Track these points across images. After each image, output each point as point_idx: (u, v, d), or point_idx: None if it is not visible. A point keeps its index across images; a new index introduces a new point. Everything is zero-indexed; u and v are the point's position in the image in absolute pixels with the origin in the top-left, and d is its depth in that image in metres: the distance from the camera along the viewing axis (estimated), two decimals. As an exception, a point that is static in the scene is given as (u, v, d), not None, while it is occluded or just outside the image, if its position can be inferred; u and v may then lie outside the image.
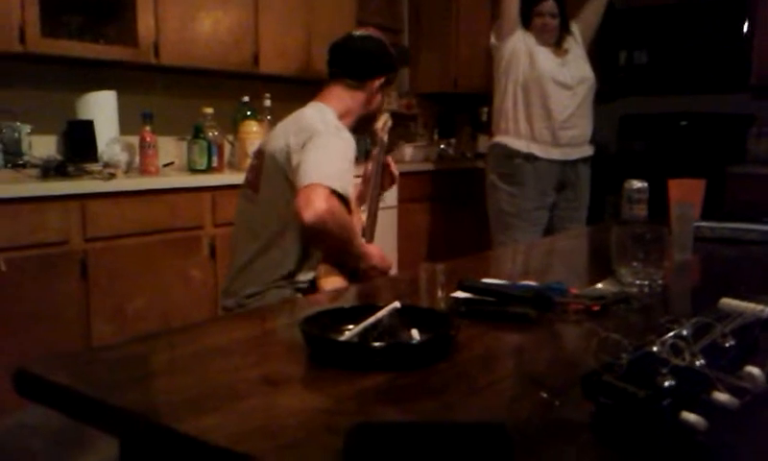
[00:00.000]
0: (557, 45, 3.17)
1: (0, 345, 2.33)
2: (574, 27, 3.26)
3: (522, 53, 3.12)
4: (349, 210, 1.75)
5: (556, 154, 3.16)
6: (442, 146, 4.84)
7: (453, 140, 5.01)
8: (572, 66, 3.16)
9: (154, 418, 0.71)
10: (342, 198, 1.68)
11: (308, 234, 1.67)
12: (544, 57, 3.12)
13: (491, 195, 3.30)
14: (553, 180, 3.19)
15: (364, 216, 2.02)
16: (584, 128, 3.21)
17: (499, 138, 3.24)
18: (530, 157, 3.14)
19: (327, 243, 1.71)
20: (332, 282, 1.75)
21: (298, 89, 3.88)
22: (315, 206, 1.60)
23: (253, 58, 3.51)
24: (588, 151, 3.27)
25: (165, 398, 0.79)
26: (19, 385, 0.84)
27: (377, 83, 1.93)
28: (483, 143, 4.86)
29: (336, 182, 1.66)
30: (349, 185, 1.74)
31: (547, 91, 3.10)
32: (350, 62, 1.92)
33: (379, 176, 2.08)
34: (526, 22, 3.14)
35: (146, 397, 0.79)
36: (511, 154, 3.17)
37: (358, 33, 2.00)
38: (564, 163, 3.19)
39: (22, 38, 2.63)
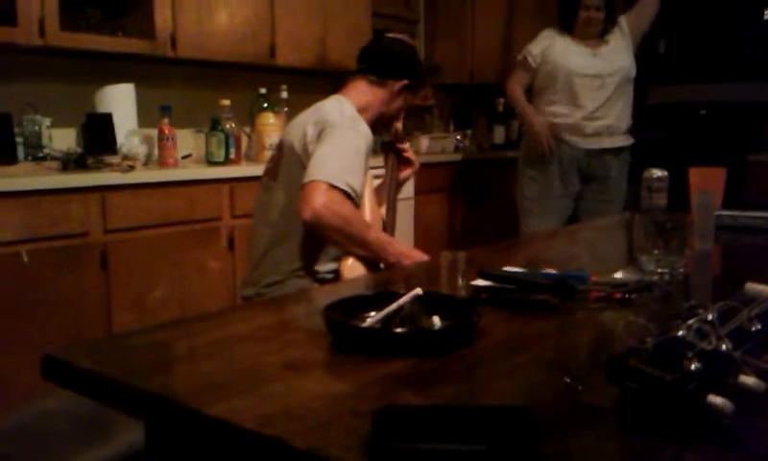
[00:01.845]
0: (600, 37, 3.14)
1: (23, 335, 2.36)
2: (622, 18, 3.22)
3: (549, 49, 3.12)
4: (357, 204, 1.75)
5: (581, 142, 3.16)
6: (457, 137, 4.82)
7: (469, 131, 5.00)
8: (606, 57, 3.13)
9: (180, 401, 0.72)
10: (346, 192, 1.68)
11: (309, 230, 1.69)
12: (572, 49, 3.11)
13: (519, 181, 3.36)
14: (576, 165, 3.18)
15: (383, 209, 2.02)
16: (615, 119, 3.18)
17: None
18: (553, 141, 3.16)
19: (331, 236, 1.71)
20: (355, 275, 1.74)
21: (314, 81, 3.89)
22: (311, 203, 1.62)
23: (270, 50, 3.52)
24: (618, 142, 3.23)
25: (190, 382, 0.80)
26: (45, 370, 0.85)
27: (399, 84, 1.94)
28: (498, 134, 4.84)
29: (338, 177, 1.66)
30: (357, 178, 1.73)
31: (572, 82, 3.09)
32: (376, 59, 1.95)
33: (395, 171, 2.08)
34: (570, 17, 3.12)
35: (172, 381, 0.80)
36: (536, 138, 3.18)
37: (390, 35, 2.08)
38: (589, 152, 3.17)
39: (42, 32, 2.65)
